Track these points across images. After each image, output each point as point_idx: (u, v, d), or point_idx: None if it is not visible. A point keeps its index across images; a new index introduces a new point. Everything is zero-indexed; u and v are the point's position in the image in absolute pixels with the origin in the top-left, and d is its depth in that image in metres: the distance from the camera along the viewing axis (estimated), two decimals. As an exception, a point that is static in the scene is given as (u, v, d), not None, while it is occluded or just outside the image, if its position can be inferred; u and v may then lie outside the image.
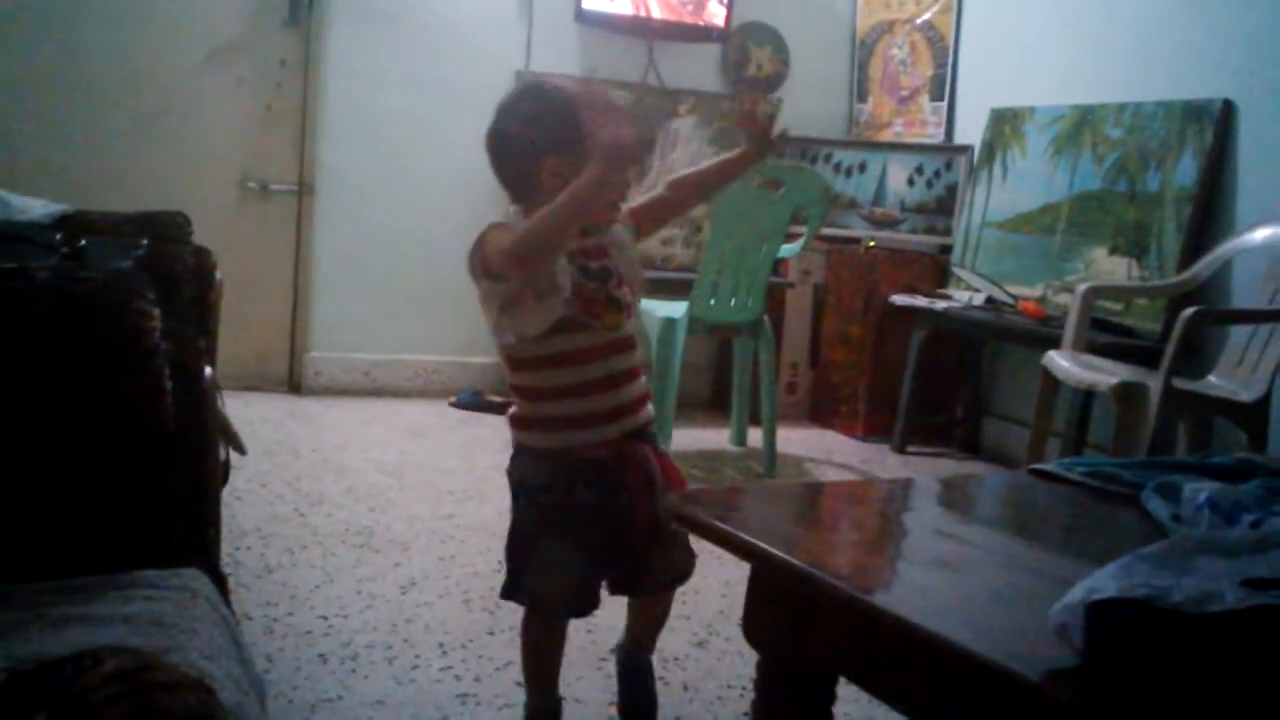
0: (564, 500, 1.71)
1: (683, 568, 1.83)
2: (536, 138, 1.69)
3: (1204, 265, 3.43)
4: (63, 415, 1.43)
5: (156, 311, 1.52)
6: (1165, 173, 3.65)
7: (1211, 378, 3.32)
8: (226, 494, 1.86)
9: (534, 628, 1.82)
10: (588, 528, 1.71)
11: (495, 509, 3.07)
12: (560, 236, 1.59)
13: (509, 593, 1.77)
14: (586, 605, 1.78)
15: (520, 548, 1.75)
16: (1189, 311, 3.00)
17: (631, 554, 1.75)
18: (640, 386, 1.77)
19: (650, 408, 1.80)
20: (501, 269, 1.62)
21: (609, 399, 1.72)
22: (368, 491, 3.17)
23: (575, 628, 1.97)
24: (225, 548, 2.28)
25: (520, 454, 1.76)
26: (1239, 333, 3.32)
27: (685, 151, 4.66)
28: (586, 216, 1.62)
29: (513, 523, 1.77)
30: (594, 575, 1.76)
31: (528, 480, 1.74)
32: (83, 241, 1.67)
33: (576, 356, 1.69)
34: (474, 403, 4.33)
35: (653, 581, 1.83)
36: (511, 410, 1.78)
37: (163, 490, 1.51)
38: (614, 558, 1.76)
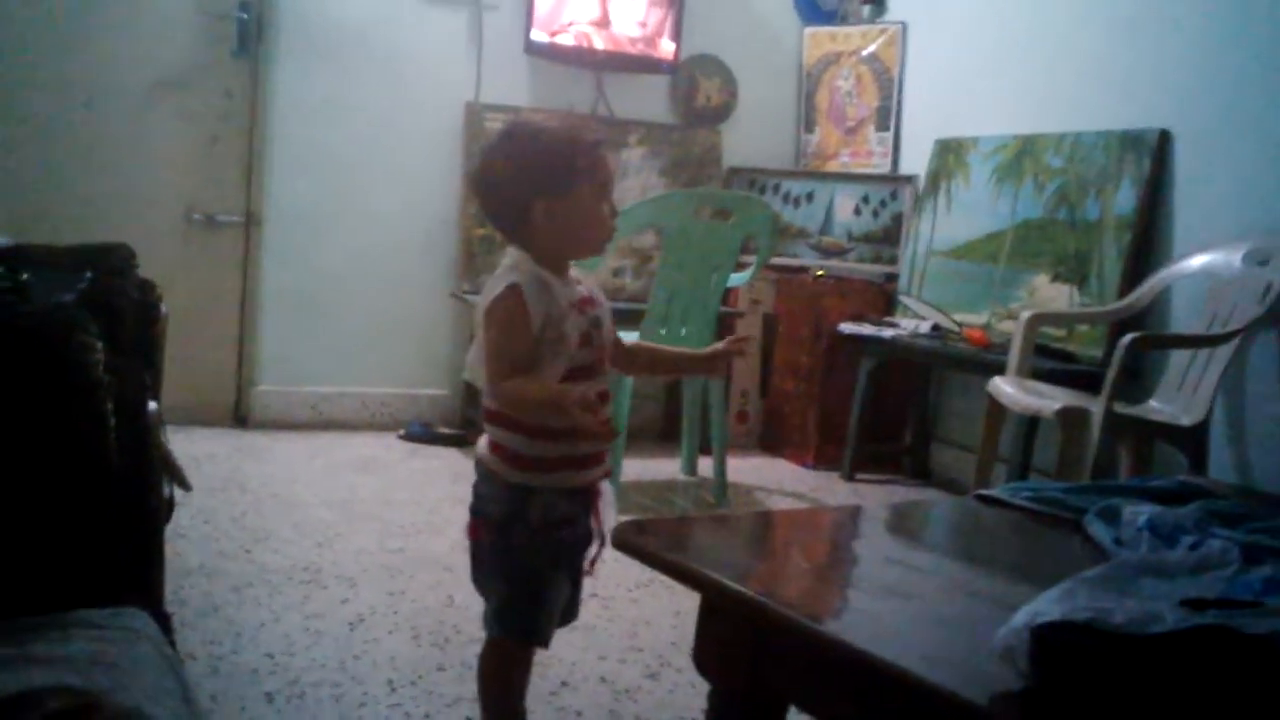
0: (568, 533, 1.69)
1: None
2: (527, 180, 1.66)
3: (1143, 291, 3.50)
4: (2, 450, 1.41)
5: (100, 345, 1.50)
6: (1105, 201, 3.73)
7: (1152, 402, 3.37)
8: (170, 531, 1.84)
9: (512, 661, 1.77)
10: (575, 553, 1.73)
11: (446, 542, 3.05)
12: (524, 408, 1.64)
13: (514, 632, 1.72)
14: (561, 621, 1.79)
15: (533, 586, 1.69)
16: (1129, 337, 3.06)
17: (579, 583, 1.77)
18: None
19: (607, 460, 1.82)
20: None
21: (604, 437, 1.69)
22: (315, 526, 3.13)
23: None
24: (169, 586, 2.24)
25: (528, 491, 1.68)
26: (1178, 357, 3.39)
27: (636, 181, 4.69)
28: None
29: (520, 562, 1.68)
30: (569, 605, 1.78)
31: (551, 516, 1.67)
32: (25, 275, 1.65)
33: (601, 398, 1.68)
34: (423, 435, 4.30)
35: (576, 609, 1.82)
36: (512, 448, 1.68)
37: (105, 527, 1.49)
38: (574, 590, 1.78)
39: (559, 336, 1.62)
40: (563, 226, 1.65)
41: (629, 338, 3.12)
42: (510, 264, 1.68)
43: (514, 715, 1.79)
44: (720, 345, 1.87)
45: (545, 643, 1.74)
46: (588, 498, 1.73)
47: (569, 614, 1.79)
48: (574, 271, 1.74)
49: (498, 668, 1.77)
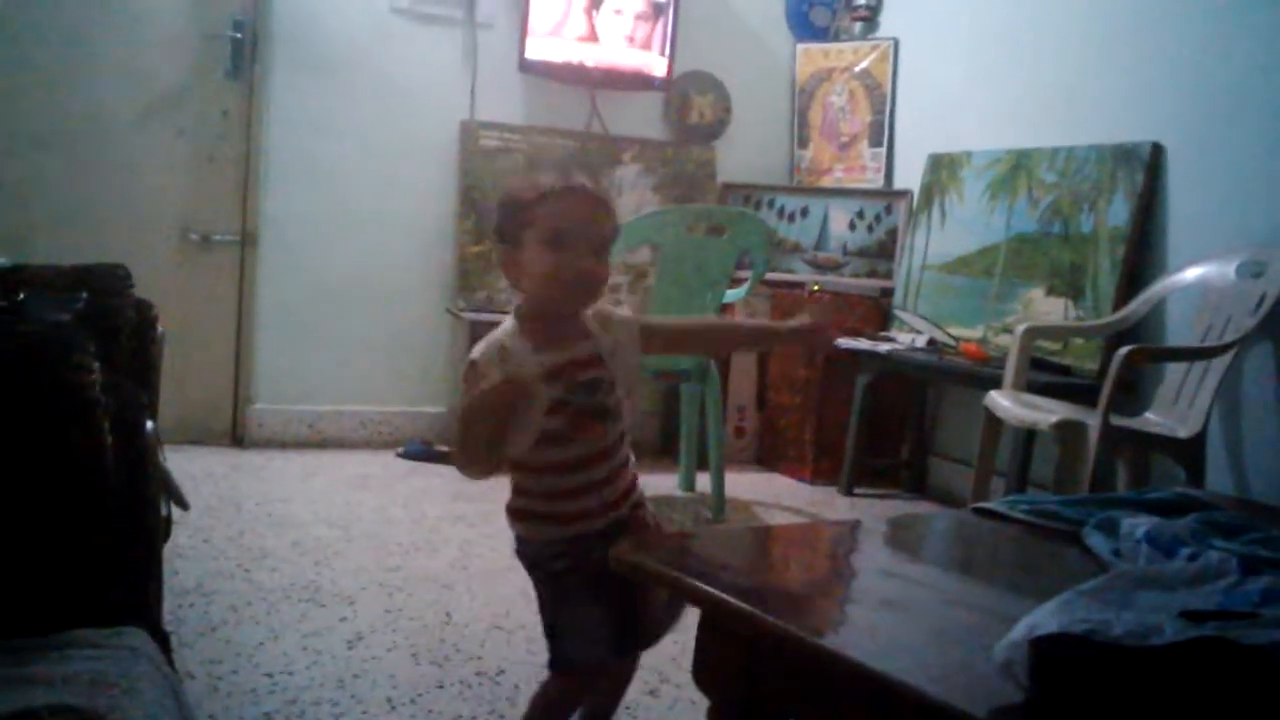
0: (580, 564, 1.67)
1: (678, 617, 1.78)
2: (495, 231, 1.72)
3: (1138, 304, 3.51)
4: (0, 471, 1.41)
5: (96, 365, 1.50)
6: (1098, 214, 3.74)
7: (1149, 414, 3.38)
8: (168, 550, 1.84)
9: (561, 690, 1.77)
10: (608, 594, 1.65)
11: (444, 560, 3.04)
12: (476, 441, 1.59)
13: (566, 669, 1.74)
14: (621, 650, 1.77)
15: (552, 620, 1.71)
16: (1124, 350, 3.07)
17: (645, 614, 1.72)
18: (630, 475, 1.75)
19: (640, 487, 1.78)
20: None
21: (610, 492, 1.70)
22: (313, 545, 3.13)
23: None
24: (167, 605, 2.24)
25: (525, 542, 1.72)
26: (1174, 370, 3.39)
27: (630, 198, 4.70)
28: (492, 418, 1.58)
29: (540, 601, 1.73)
30: (622, 627, 1.71)
31: (541, 556, 1.70)
32: (20, 295, 1.65)
33: (569, 465, 1.66)
34: (421, 453, 4.30)
35: (659, 628, 1.78)
36: (510, 503, 1.72)
37: (103, 547, 1.48)
38: (633, 622, 1.71)
39: (523, 409, 1.60)
40: (523, 277, 1.66)
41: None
42: (498, 330, 1.68)
43: None
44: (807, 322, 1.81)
45: (584, 673, 1.74)
46: (600, 535, 1.66)
47: (643, 643, 1.78)
48: (593, 321, 1.70)
49: (543, 694, 1.80)
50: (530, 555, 1.72)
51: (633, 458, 1.76)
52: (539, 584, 1.73)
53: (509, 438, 1.61)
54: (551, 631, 1.72)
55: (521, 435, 1.62)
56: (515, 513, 1.71)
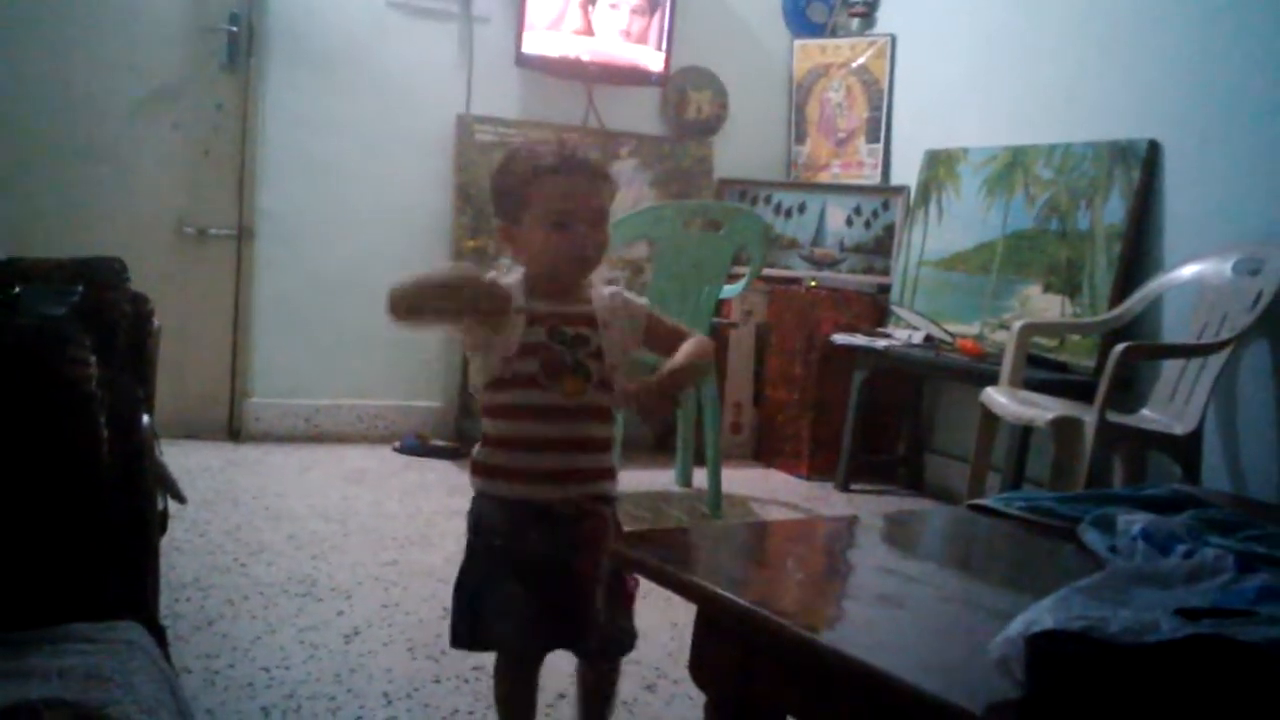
0: (517, 546, 1.67)
1: (624, 637, 1.77)
2: (494, 203, 1.75)
3: (1134, 301, 3.51)
4: (-5, 466, 1.40)
5: (92, 359, 1.50)
6: (1095, 212, 3.74)
7: (1145, 411, 3.38)
8: (165, 544, 1.84)
9: (504, 677, 1.76)
10: (535, 576, 1.67)
11: (441, 555, 3.04)
12: (421, 291, 1.61)
13: (457, 640, 1.72)
14: (541, 650, 1.74)
15: (471, 592, 1.70)
16: (1121, 347, 3.07)
17: (575, 609, 1.69)
18: (607, 460, 1.74)
19: (614, 486, 1.75)
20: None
21: (568, 460, 1.68)
22: (309, 539, 3.13)
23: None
24: (164, 599, 2.24)
25: (480, 498, 1.73)
26: (1171, 367, 3.40)
27: (627, 194, 4.69)
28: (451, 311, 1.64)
29: (462, 567, 1.72)
30: (542, 624, 1.70)
31: (484, 523, 1.70)
32: (16, 288, 1.65)
33: (535, 412, 1.66)
34: (417, 448, 4.30)
35: (593, 642, 1.73)
36: (473, 455, 1.74)
37: (99, 541, 1.48)
38: (559, 612, 1.69)
39: (495, 334, 1.64)
40: (522, 251, 1.70)
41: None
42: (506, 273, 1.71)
43: None
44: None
45: (515, 657, 1.74)
46: (550, 518, 1.67)
47: (567, 636, 1.73)
48: (600, 290, 1.73)
49: (495, 688, 1.78)
50: (475, 516, 1.71)
51: (614, 451, 1.76)
52: (469, 552, 1.71)
53: (466, 341, 1.67)
54: (462, 604, 1.70)
55: (485, 362, 1.66)
56: (475, 466, 1.72)
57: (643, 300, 1.78)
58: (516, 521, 1.67)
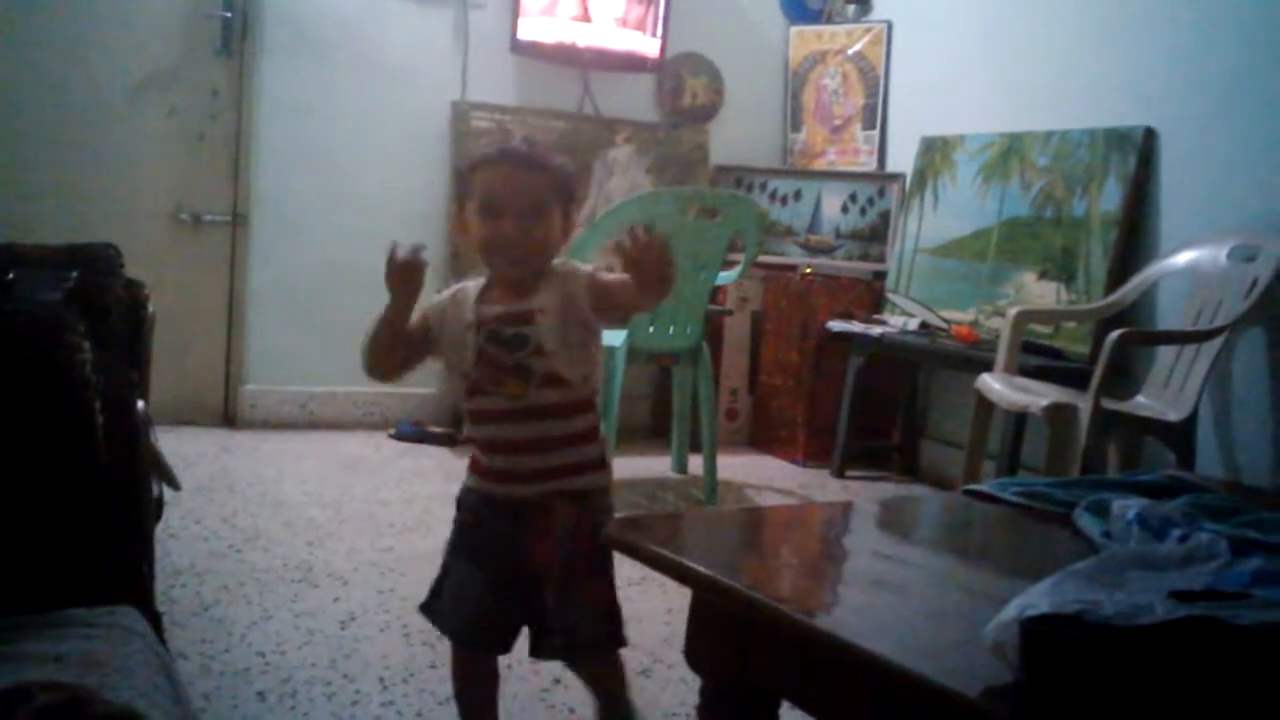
0: (478, 521, 1.71)
1: (594, 635, 1.71)
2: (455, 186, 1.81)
3: (1130, 288, 3.52)
4: (-10, 452, 1.40)
5: (87, 344, 1.50)
6: (1091, 199, 3.74)
7: (1140, 398, 3.39)
8: (160, 530, 1.83)
9: (457, 672, 1.80)
10: (498, 558, 1.68)
11: (436, 541, 3.03)
12: (376, 348, 1.74)
13: (424, 606, 1.78)
14: (496, 640, 1.74)
15: (443, 564, 1.77)
16: (1116, 334, 3.07)
17: (524, 594, 1.68)
18: (581, 454, 1.70)
19: (597, 479, 1.72)
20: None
21: (534, 460, 1.68)
22: (305, 525, 3.13)
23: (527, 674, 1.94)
24: (159, 585, 2.24)
25: (462, 485, 1.78)
26: (1165, 354, 3.40)
27: (623, 180, 4.69)
28: (390, 331, 1.73)
29: (444, 558, 1.78)
30: (500, 610, 1.71)
31: (461, 504, 1.76)
32: (11, 274, 1.64)
33: (493, 416, 1.69)
34: (413, 434, 4.30)
35: (552, 636, 1.69)
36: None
37: (95, 527, 1.48)
38: (508, 596, 1.70)
39: (456, 350, 1.71)
40: (466, 240, 1.75)
41: (617, 337, 3.10)
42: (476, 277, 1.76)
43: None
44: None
45: (460, 643, 1.77)
46: (519, 507, 1.68)
47: (515, 620, 1.72)
48: (554, 275, 1.69)
49: (451, 675, 1.82)
50: (458, 497, 1.78)
51: (596, 443, 1.72)
52: (452, 529, 1.78)
53: (407, 357, 1.75)
54: (437, 581, 1.77)
55: (450, 380, 1.75)
56: (470, 458, 1.79)
57: (586, 267, 1.72)
58: (482, 507, 1.72)
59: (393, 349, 1.73)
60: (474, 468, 1.75)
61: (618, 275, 1.66)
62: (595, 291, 1.67)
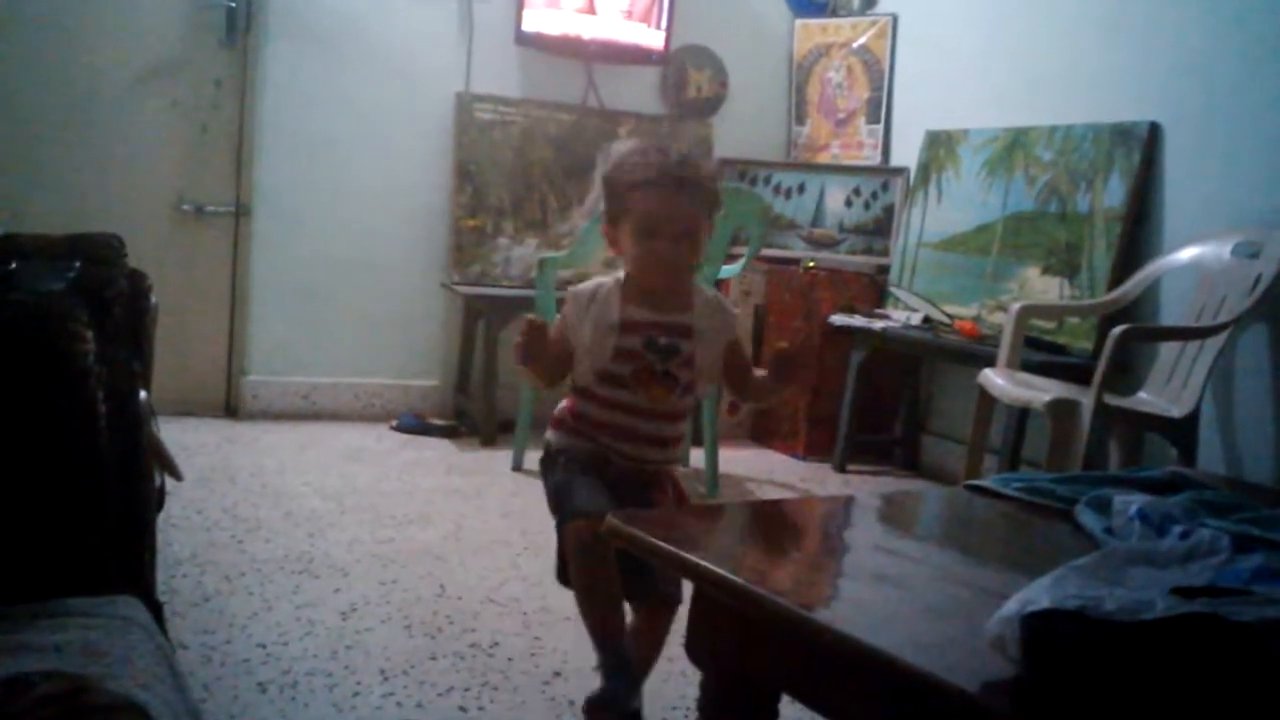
0: (599, 461, 1.84)
1: (677, 591, 1.82)
2: (603, 201, 1.91)
3: (1133, 284, 3.51)
4: (-8, 441, 1.40)
5: (89, 335, 1.50)
6: (1095, 194, 3.74)
7: (1142, 394, 3.39)
8: (162, 521, 1.83)
9: (582, 563, 1.76)
10: (618, 485, 1.83)
11: (438, 532, 3.05)
12: (539, 382, 1.95)
13: (559, 508, 1.84)
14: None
15: (562, 493, 1.83)
16: (1119, 329, 3.07)
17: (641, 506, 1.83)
18: (675, 452, 1.95)
19: (673, 477, 1.96)
20: None
21: (644, 450, 1.86)
22: (307, 517, 3.13)
23: (548, 670, 1.94)
24: (161, 576, 2.24)
25: (548, 446, 1.92)
26: (1168, 350, 3.40)
27: (626, 173, 4.68)
28: (547, 377, 1.91)
29: (552, 486, 1.87)
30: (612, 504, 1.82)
31: (569, 450, 1.87)
32: (13, 264, 1.64)
33: (625, 407, 1.83)
34: (415, 426, 4.30)
35: (658, 586, 1.82)
36: (555, 413, 1.92)
37: (96, 517, 1.48)
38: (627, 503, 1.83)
39: (596, 342, 1.82)
40: (620, 253, 1.86)
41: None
42: (613, 275, 1.89)
43: (609, 634, 1.79)
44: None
45: (593, 517, 1.72)
46: (624, 469, 1.86)
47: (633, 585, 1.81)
48: (705, 294, 1.90)
49: (575, 582, 1.81)
50: (555, 451, 1.89)
51: (681, 448, 1.96)
52: (546, 476, 1.89)
53: (561, 365, 1.87)
54: (556, 497, 1.85)
55: (583, 366, 1.85)
56: (554, 420, 1.93)
57: (735, 311, 1.97)
58: (595, 457, 1.85)
59: (553, 377, 1.90)
60: (574, 434, 1.87)
61: (746, 360, 1.98)
62: (730, 357, 1.92)
